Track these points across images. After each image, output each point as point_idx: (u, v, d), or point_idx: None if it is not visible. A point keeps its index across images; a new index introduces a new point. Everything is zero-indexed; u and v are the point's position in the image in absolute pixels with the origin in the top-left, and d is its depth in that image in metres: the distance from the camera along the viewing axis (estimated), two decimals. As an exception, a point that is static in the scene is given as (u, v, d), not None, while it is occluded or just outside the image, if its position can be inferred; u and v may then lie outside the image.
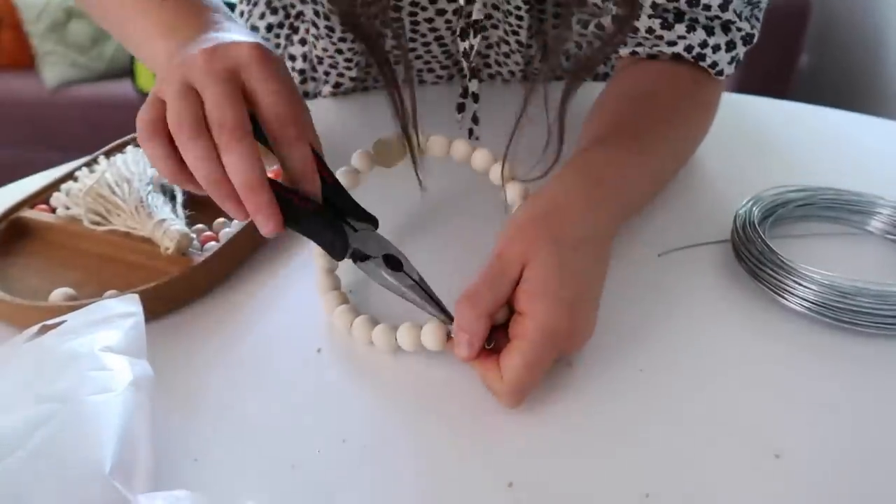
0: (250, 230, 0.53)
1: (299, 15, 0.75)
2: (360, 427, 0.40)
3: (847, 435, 0.39)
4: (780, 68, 1.84)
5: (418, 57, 0.50)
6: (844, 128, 0.71)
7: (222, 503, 0.33)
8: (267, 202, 0.39)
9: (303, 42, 0.76)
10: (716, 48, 0.55)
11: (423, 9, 0.66)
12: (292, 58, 0.77)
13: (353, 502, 0.37)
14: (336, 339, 0.47)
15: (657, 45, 0.57)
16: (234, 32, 0.44)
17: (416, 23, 0.67)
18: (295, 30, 0.76)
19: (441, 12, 0.66)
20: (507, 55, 0.72)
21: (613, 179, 0.48)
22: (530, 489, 0.37)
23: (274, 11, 0.77)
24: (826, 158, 0.65)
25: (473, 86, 0.60)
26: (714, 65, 0.56)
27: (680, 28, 0.55)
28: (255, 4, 0.78)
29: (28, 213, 0.56)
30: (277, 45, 0.78)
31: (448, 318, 0.42)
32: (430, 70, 0.74)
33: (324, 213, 0.42)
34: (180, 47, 0.43)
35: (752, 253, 0.49)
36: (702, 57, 0.56)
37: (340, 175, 0.51)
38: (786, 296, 0.46)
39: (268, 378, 0.44)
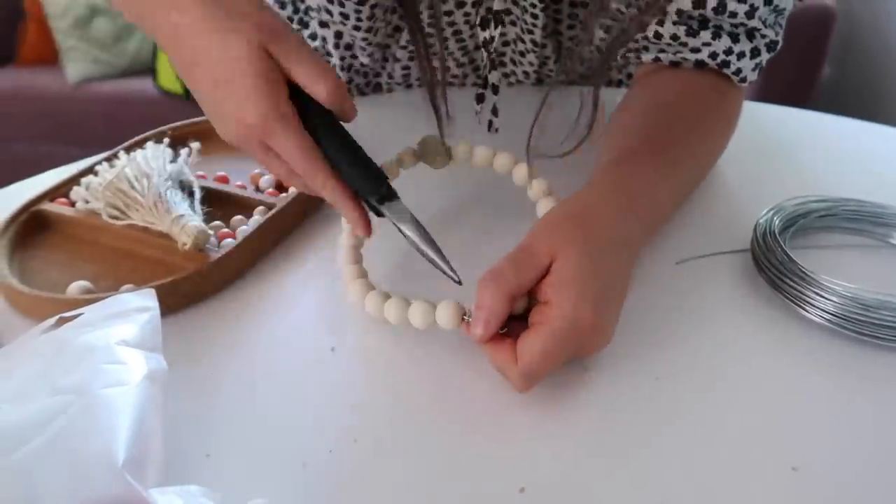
0: (267, 229, 0.53)
1: (308, 10, 0.75)
2: (371, 427, 0.40)
3: (866, 450, 0.39)
4: (802, 78, 1.83)
5: (434, 54, 0.50)
6: (867, 139, 0.70)
7: (233, 499, 0.33)
8: (321, 169, 0.43)
9: (313, 37, 0.76)
10: (740, 55, 0.55)
11: (443, 1, 0.66)
12: None
13: (363, 502, 0.36)
14: (350, 338, 0.47)
15: (681, 52, 0.57)
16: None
17: (433, 16, 0.67)
18: (305, 24, 0.76)
19: (460, 5, 0.66)
20: (522, 54, 0.72)
21: (643, 193, 0.48)
22: (542, 495, 0.36)
23: (282, 6, 0.77)
24: (848, 169, 0.64)
25: (493, 77, 0.59)
26: (738, 71, 0.56)
27: (705, 35, 0.55)
28: None
29: (48, 207, 0.56)
30: None
31: (457, 282, 0.43)
32: (446, 67, 0.74)
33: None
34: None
35: (773, 263, 0.48)
36: (726, 64, 0.56)
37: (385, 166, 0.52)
38: (806, 307, 0.46)
39: (281, 376, 0.44)
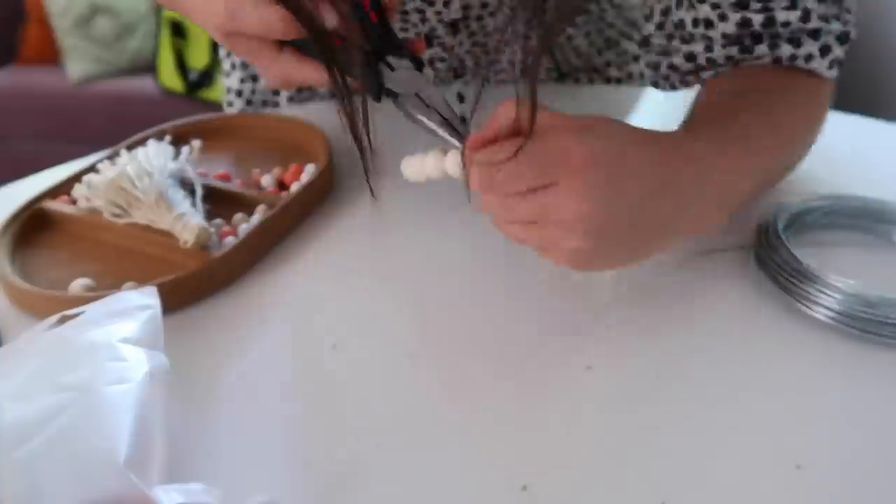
0: (268, 226, 0.53)
1: None
2: (373, 425, 0.40)
3: (870, 448, 0.39)
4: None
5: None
6: (869, 136, 0.70)
7: (235, 497, 0.33)
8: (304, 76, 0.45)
9: None
10: (808, 57, 0.52)
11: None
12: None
13: (365, 500, 0.36)
14: (351, 336, 0.46)
15: (744, 63, 0.54)
16: None
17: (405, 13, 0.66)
18: None
19: (430, 2, 0.65)
20: (507, 43, 0.71)
21: (714, 165, 0.46)
22: (544, 493, 0.36)
23: None
24: (852, 167, 0.64)
25: (458, 86, 0.58)
26: (810, 73, 0.53)
27: (761, 48, 0.52)
28: None
29: (49, 205, 0.56)
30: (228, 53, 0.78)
31: (460, 142, 0.43)
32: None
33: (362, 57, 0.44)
34: None
35: (776, 260, 0.48)
36: (794, 67, 0.53)
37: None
38: (809, 305, 0.46)
39: (282, 374, 0.44)
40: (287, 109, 0.77)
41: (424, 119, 0.44)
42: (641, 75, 0.78)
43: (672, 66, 0.56)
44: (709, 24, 0.53)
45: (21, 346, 0.39)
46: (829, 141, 0.69)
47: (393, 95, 0.45)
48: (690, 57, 0.55)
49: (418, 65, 0.45)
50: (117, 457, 0.31)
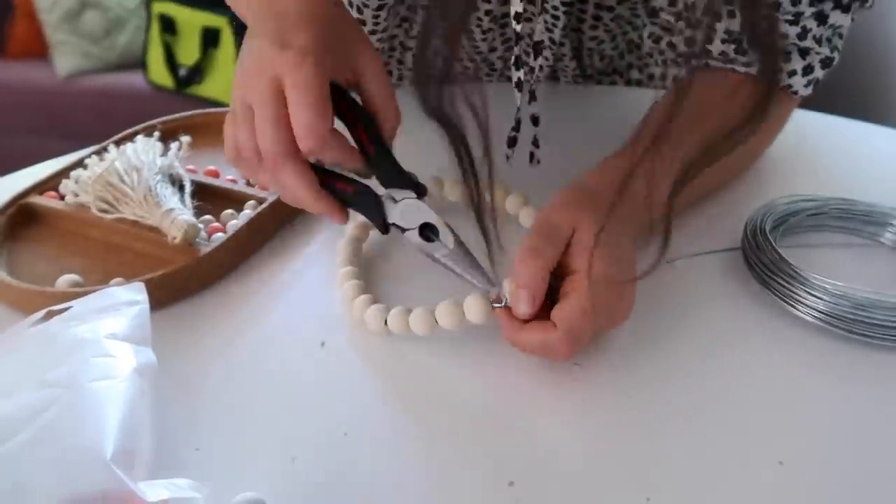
0: (257, 223, 0.53)
1: None
2: (361, 421, 0.40)
3: (852, 446, 0.39)
4: (792, 79, 1.83)
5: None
6: (857, 138, 0.71)
7: (223, 493, 0.33)
8: (325, 207, 0.44)
9: None
10: (791, 73, 0.54)
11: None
12: None
13: (353, 496, 0.36)
14: (340, 333, 0.46)
15: (730, 65, 0.56)
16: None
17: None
18: None
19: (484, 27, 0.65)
20: (539, 67, 0.71)
21: (644, 183, 0.47)
22: (531, 489, 0.36)
23: None
24: (838, 168, 0.64)
25: (532, 109, 0.58)
26: (789, 87, 0.55)
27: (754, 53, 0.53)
28: None
29: (37, 200, 0.56)
30: None
31: (489, 282, 0.42)
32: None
33: (362, 196, 0.44)
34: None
35: (763, 261, 0.48)
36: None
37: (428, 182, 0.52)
38: (796, 305, 0.46)
39: (271, 370, 0.44)
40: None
41: (438, 256, 0.43)
42: (663, 77, 0.79)
43: (670, 44, 0.57)
44: (717, 15, 0.53)
45: (6, 342, 0.39)
46: (817, 143, 0.70)
47: (399, 230, 0.44)
48: (690, 41, 0.55)
49: (420, 192, 0.44)
50: (103, 453, 0.31)
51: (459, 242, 0.43)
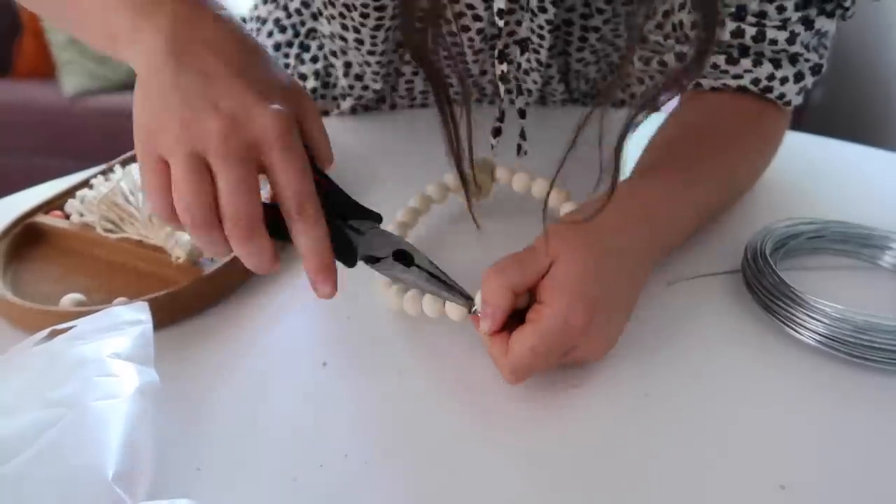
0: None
1: (310, 33, 0.76)
2: (362, 442, 0.40)
3: (854, 470, 0.39)
4: (793, 101, 1.84)
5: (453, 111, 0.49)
6: (857, 161, 0.71)
7: (223, 514, 0.33)
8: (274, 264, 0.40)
9: (314, 59, 0.76)
10: (783, 80, 0.55)
11: (452, 35, 0.66)
12: (303, 77, 0.77)
13: (354, 519, 0.36)
14: (342, 355, 0.47)
15: (721, 79, 0.57)
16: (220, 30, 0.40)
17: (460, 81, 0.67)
18: (306, 48, 0.77)
19: (465, 29, 0.66)
20: (526, 72, 0.72)
21: (657, 206, 0.49)
22: (533, 513, 0.36)
23: (282, 30, 0.77)
24: (838, 192, 0.65)
25: (520, 102, 0.59)
26: (781, 96, 0.56)
27: (746, 62, 0.55)
28: (264, 23, 0.78)
29: (42, 219, 0.56)
30: (287, 65, 0.78)
31: (466, 299, 0.43)
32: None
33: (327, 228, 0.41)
34: (159, 31, 0.39)
35: (763, 284, 0.49)
36: (769, 89, 0.56)
37: (431, 188, 0.54)
38: (797, 328, 0.46)
39: (273, 390, 0.44)
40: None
41: (413, 277, 0.43)
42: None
43: (662, 63, 0.58)
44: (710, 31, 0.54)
45: (10, 361, 0.39)
46: (817, 166, 0.70)
47: (373, 260, 0.43)
48: (681, 57, 0.56)
49: (378, 220, 0.44)
50: (105, 472, 0.31)
51: (433, 265, 0.43)
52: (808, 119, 1.88)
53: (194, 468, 0.38)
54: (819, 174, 0.68)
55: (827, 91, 2.06)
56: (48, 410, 0.34)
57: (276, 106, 0.38)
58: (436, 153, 0.50)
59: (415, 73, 0.75)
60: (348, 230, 0.43)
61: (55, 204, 0.58)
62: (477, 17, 0.64)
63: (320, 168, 0.43)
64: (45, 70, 2.42)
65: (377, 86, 0.73)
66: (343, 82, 0.75)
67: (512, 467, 0.39)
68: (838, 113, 2.07)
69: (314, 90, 0.78)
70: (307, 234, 0.39)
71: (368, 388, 0.44)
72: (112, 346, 0.38)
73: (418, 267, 0.43)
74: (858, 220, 0.55)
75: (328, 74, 0.76)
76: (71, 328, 0.40)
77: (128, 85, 2.40)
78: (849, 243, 0.54)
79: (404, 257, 0.43)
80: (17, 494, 0.31)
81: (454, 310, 0.44)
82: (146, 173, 0.38)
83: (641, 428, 0.41)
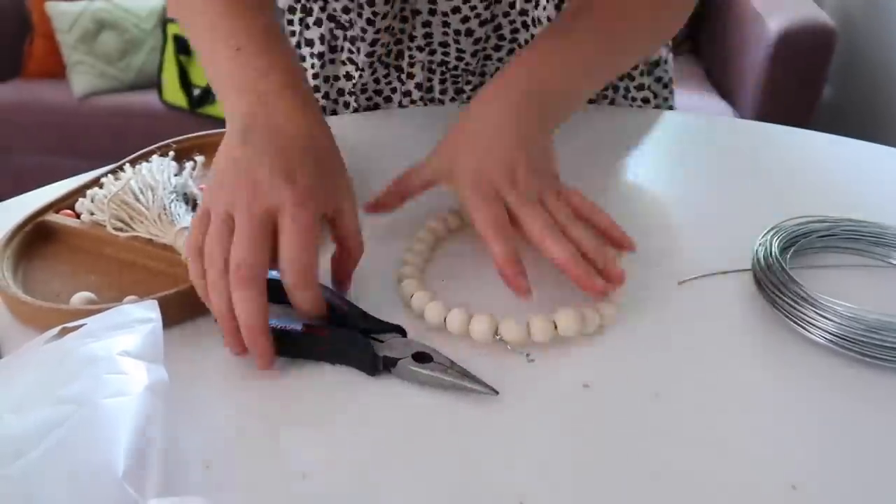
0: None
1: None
2: (372, 438, 0.40)
3: (866, 470, 0.39)
4: (803, 98, 1.83)
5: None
6: (867, 159, 0.71)
7: (232, 512, 0.33)
8: (262, 345, 0.43)
9: (318, 23, 0.77)
10: None
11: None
12: (310, 42, 0.78)
13: (363, 517, 0.36)
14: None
15: None
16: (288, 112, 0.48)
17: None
18: (309, 12, 0.77)
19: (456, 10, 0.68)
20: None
21: (530, 61, 0.55)
22: (541, 512, 0.36)
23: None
24: (849, 190, 0.64)
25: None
26: None
27: None
28: None
29: (53, 218, 0.57)
30: (293, 32, 0.78)
31: (489, 389, 0.42)
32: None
33: (340, 336, 0.44)
34: (251, 105, 0.48)
35: (774, 283, 0.48)
36: None
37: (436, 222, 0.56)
38: (807, 327, 0.46)
39: (282, 388, 0.44)
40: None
41: (440, 375, 0.43)
42: (613, 101, 0.81)
43: None
44: None
45: (21, 359, 0.39)
46: (827, 164, 0.70)
47: (392, 363, 0.43)
48: None
49: (402, 333, 0.46)
50: (115, 470, 0.31)
51: (452, 362, 0.43)
52: (819, 117, 1.87)
53: (204, 465, 0.39)
54: (829, 172, 0.68)
55: (837, 89, 2.05)
56: (58, 408, 0.34)
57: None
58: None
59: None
60: (370, 339, 0.44)
61: (66, 203, 0.58)
62: None
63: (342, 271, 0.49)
64: (56, 71, 2.43)
65: (377, 49, 0.74)
66: (345, 45, 0.75)
67: (521, 466, 0.39)
68: (849, 111, 2.05)
69: (321, 55, 0.78)
70: (302, 293, 0.44)
71: (377, 384, 0.44)
72: (122, 343, 0.38)
73: (438, 364, 0.43)
74: (870, 218, 0.55)
75: (334, 38, 0.77)
76: (81, 326, 0.40)
77: (136, 86, 2.42)
78: (860, 242, 0.54)
79: (422, 357, 0.43)
80: (27, 492, 0.31)
81: (478, 326, 0.45)
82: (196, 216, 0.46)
83: (652, 427, 0.41)
